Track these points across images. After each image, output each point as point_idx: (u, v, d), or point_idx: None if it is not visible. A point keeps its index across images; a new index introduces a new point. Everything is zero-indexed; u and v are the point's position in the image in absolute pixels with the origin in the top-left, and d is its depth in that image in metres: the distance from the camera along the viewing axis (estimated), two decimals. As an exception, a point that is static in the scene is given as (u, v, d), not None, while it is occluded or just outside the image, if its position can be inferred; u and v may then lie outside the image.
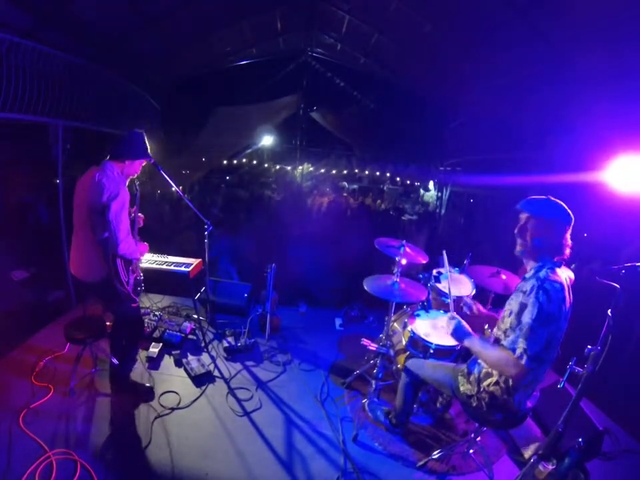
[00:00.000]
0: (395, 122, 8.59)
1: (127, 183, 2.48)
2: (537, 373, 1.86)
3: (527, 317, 1.72)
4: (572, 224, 1.82)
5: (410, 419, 2.66)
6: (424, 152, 8.80)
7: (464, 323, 2.09)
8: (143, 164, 2.55)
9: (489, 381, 1.98)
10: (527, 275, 1.88)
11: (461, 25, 4.48)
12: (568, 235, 1.83)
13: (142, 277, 2.78)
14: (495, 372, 1.96)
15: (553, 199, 1.85)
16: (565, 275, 1.86)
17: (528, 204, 1.88)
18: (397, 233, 3.40)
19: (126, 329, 2.77)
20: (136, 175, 2.55)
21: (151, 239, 2.92)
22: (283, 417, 2.78)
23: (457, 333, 2.05)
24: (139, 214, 2.74)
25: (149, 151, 2.50)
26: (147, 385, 2.89)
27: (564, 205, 1.84)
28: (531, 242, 1.85)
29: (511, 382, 1.89)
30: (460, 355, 2.67)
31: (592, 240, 3.87)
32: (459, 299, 2.63)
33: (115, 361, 2.82)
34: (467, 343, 2.01)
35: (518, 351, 1.71)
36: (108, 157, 2.39)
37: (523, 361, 1.69)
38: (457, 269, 3.28)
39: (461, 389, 2.11)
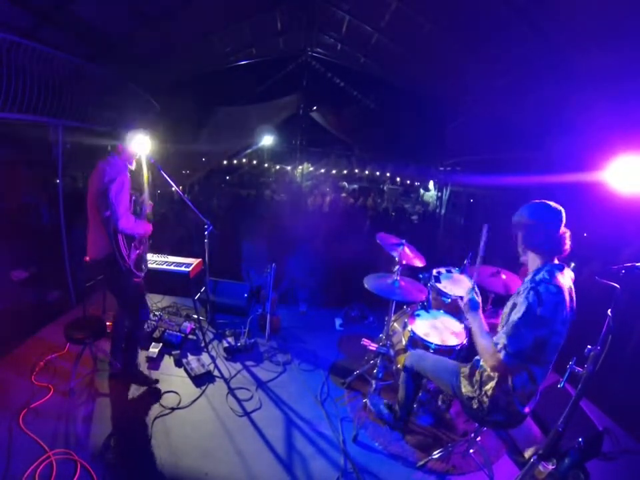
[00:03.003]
0: (395, 122, 8.58)
1: (134, 166, 2.75)
2: (535, 374, 1.85)
3: (514, 316, 1.77)
4: (562, 220, 1.83)
5: (412, 412, 2.65)
6: (424, 152, 8.78)
7: (479, 300, 2.08)
8: (137, 146, 2.70)
9: (490, 384, 1.98)
10: (526, 279, 1.90)
11: (461, 24, 4.48)
12: (561, 232, 1.83)
13: (144, 254, 2.89)
14: (495, 375, 1.96)
15: (540, 201, 1.88)
16: (567, 277, 1.87)
17: (516, 215, 1.94)
18: (397, 233, 3.39)
19: (128, 315, 2.83)
20: (138, 155, 2.76)
21: (152, 239, 2.94)
22: (283, 417, 2.79)
23: (471, 305, 2.05)
24: (149, 202, 2.92)
25: (133, 121, 2.76)
26: (153, 377, 2.96)
27: (552, 205, 1.85)
28: (525, 248, 1.92)
29: (510, 383, 1.89)
30: (460, 355, 2.67)
31: (592, 240, 3.87)
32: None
33: (116, 363, 2.84)
34: (471, 317, 2.02)
35: (499, 346, 1.78)
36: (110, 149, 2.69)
37: (501, 355, 1.76)
38: (457, 269, 3.28)
39: (463, 390, 2.11)
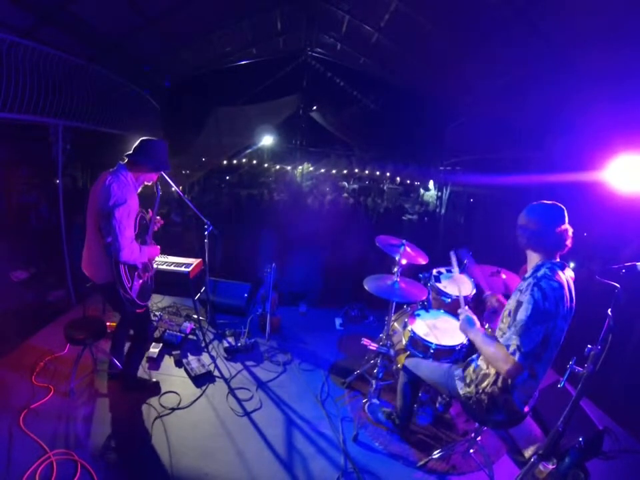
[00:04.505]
0: (395, 122, 8.59)
1: (140, 189, 2.49)
2: (537, 371, 1.86)
3: (521, 314, 1.75)
4: (561, 218, 1.83)
5: (411, 420, 2.66)
6: (424, 151, 8.79)
7: (474, 317, 2.09)
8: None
9: (486, 382, 1.99)
10: (526, 275, 1.90)
11: (461, 24, 4.48)
12: (559, 229, 1.83)
13: (152, 282, 2.72)
14: (492, 372, 1.96)
15: (539, 203, 1.89)
16: (567, 276, 1.87)
17: (519, 217, 1.95)
18: (397, 233, 3.40)
19: (130, 329, 2.80)
20: (152, 183, 2.55)
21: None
22: (283, 417, 2.79)
23: (467, 323, 2.07)
24: (157, 217, 2.71)
25: (168, 163, 2.49)
26: (154, 380, 2.92)
27: (550, 204, 1.86)
28: (525, 248, 1.93)
29: (509, 381, 1.89)
30: (460, 354, 2.67)
31: (592, 239, 3.87)
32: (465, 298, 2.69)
33: (116, 361, 2.83)
34: (472, 334, 2.01)
35: (511, 348, 1.74)
36: (125, 161, 2.38)
37: (516, 357, 1.72)
38: (457, 268, 3.28)
39: (460, 391, 2.11)
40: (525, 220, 1.90)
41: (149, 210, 2.64)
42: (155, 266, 3.38)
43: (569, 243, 1.85)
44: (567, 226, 1.85)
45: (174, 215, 6.73)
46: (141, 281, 2.50)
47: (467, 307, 2.20)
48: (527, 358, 1.72)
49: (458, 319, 2.63)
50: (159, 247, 2.72)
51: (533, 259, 1.92)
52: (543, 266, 1.84)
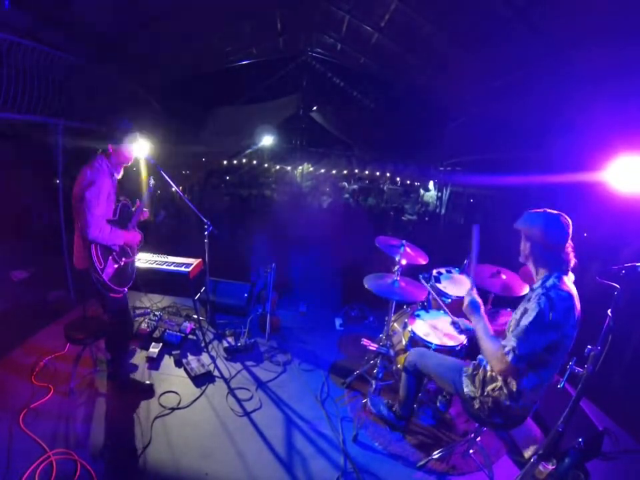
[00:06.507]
0: (395, 122, 8.59)
1: (120, 175, 2.58)
2: (544, 376, 1.85)
3: (525, 320, 1.76)
4: (570, 234, 1.80)
5: (414, 411, 2.64)
6: (424, 152, 8.79)
7: (480, 301, 2.06)
8: (132, 152, 2.59)
9: (493, 385, 1.98)
10: (535, 285, 1.88)
11: (461, 24, 4.48)
12: (568, 246, 1.82)
13: (129, 266, 2.71)
14: (499, 377, 1.96)
15: (556, 215, 1.82)
16: (571, 280, 1.87)
17: (524, 220, 1.89)
18: (397, 233, 3.40)
19: (116, 325, 2.76)
20: (129, 163, 2.61)
21: (151, 239, 2.94)
22: (283, 417, 2.79)
23: (472, 307, 2.03)
24: (145, 208, 2.84)
25: (131, 135, 2.54)
26: (147, 382, 2.91)
27: (564, 220, 1.81)
28: (532, 254, 1.88)
29: (514, 387, 1.88)
30: (460, 355, 2.67)
31: (592, 241, 3.87)
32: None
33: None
34: (474, 319, 2.00)
35: (507, 348, 1.77)
36: (99, 152, 2.51)
37: (509, 357, 1.74)
38: (457, 269, 3.28)
39: (465, 389, 2.10)
40: (538, 233, 1.81)
41: (137, 200, 2.77)
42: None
43: (572, 262, 1.84)
44: (570, 243, 1.82)
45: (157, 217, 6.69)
46: (116, 265, 2.52)
47: (474, 291, 2.13)
48: (520, 361, 1.74)
49: (456, 328, 2.52)
50: (140, 233, 2.77)
51: (539, 272, 1.88)
52: (551, 276, 1.82)
